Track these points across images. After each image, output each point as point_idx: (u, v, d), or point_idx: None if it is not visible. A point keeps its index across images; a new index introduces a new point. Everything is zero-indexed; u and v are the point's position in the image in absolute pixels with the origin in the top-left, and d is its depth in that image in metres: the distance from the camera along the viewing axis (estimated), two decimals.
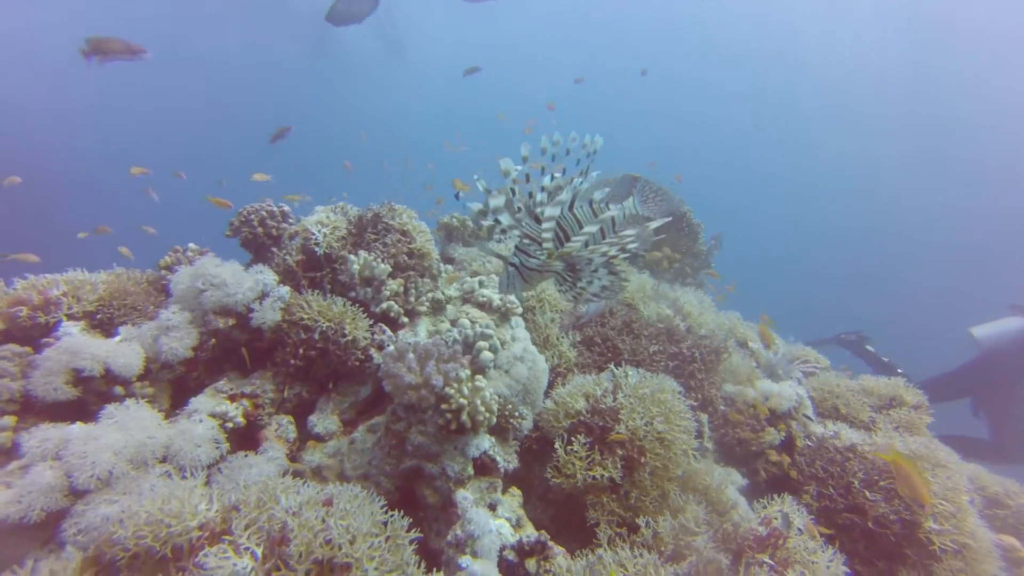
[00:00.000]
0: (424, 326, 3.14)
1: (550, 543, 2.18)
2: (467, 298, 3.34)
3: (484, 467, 2.49)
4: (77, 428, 2.07)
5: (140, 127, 27.95)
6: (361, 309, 2.89)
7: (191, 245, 3.21)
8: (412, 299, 3.17)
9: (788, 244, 37.42)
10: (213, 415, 2.43)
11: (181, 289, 2.70)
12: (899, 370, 6.20)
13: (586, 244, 2.07)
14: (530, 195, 2.04)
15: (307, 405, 2.78)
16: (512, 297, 3.19)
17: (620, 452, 2.52)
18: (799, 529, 2.09)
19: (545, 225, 1.90)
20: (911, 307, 31.42)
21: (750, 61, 29.12)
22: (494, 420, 2.46)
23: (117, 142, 27.58)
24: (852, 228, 35.70)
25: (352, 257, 3.02)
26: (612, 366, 3.10)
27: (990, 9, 20.30)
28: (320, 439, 2.65)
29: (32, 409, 2.23)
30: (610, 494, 2.51)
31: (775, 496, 2.44)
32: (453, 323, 3.16)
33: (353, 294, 3.01)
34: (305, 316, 2.72)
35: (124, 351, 2.39)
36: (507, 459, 2.57)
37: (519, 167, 1.93)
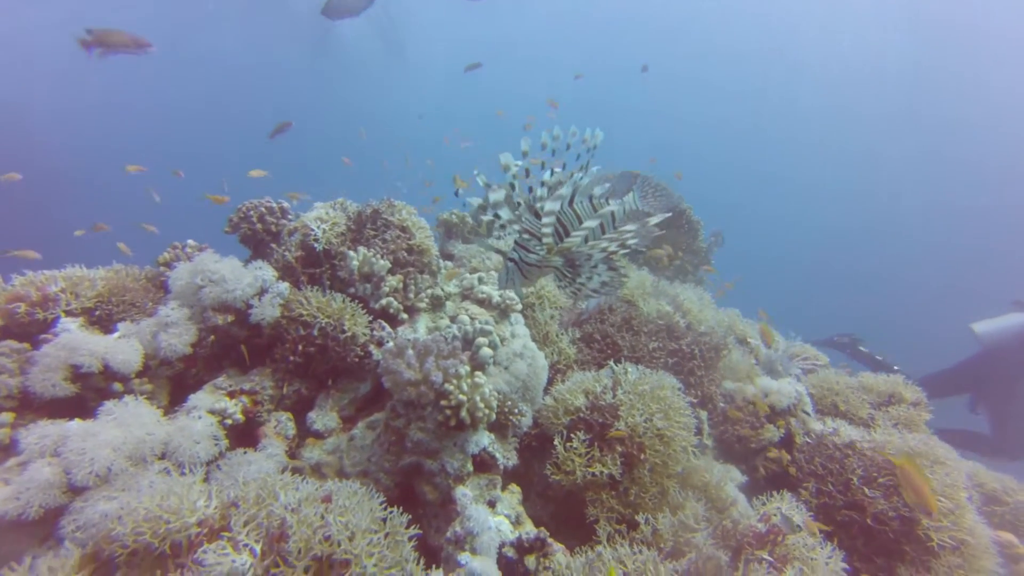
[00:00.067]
0: (423, 322, 3.13)
1: (549, 540, 2.18)
2: (467, 294, 3.34)
3: (483, 464, 2.49)
4: (75, 424, 2.06)
5: (139, 125, 27.89)
6: (360, 305, 2.89)
7: (190, 241, 3.20)
8: (411, 295, 3.17)
9: (788, 242, 37.43)
10: (212, 412, 2.43)
11: (180, 285, 2.70)
12: (895, 367, 6.21)
13: (586, 240, 2.06)
14: (530, 190, 2.03)
15: (306, 402, 2.77)
16: (511, 293, 3.19)
17: (620, 449, 2.52)
18: (798, 526, 2.09)
19: (545, 220, 1.89)
20: (911, 305, 31.45)
21: (750, 60, 29.08)
22: (493, 417, 2.46)
23: (116, 140, 27.51)
24: (852, 227, 35.71)
25: (351, 253, 3.02)
26: (612, 363, 3.10)
27: (990, 8, 20.29)
28: (319, 436, 2.65)
29: (30, 405, 2.22)
30: (609, 491, 2.51)
31: (774, 493, 2.44)
32: (453, 319, 3.16)
33: (352, 290, 3.00)
34: (304, 312, 2.71)
35: (123, 347, 2.39)
36: (506, 456, 2.57)
37: (519, 162, 1.93)
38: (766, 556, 2.03)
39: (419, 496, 2.40)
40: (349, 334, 2.72)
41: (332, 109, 31.66)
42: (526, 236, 2.04)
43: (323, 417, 2.69)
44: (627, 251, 2.06)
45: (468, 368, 2.46)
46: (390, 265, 3.07)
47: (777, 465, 3.25)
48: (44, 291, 2.49)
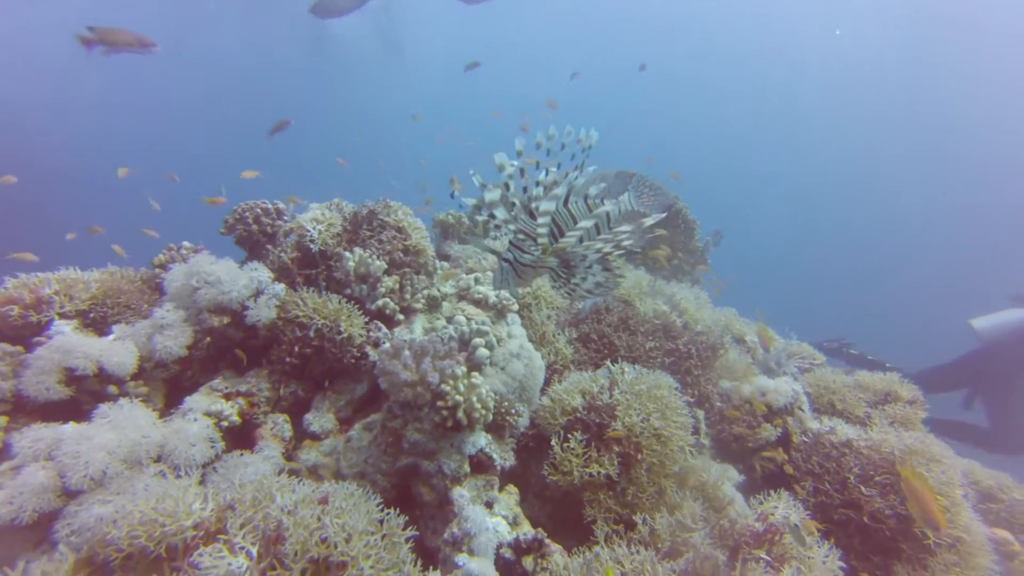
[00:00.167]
0: (420, 323, 3.13)
1: (547, 541, 2.18)
2: (463, 295, 3.34)
3: (481, 465, 2.49)
4: (70, 428, 2.05)
5: (136, 125, 27.79)
6: (357, 306, 2.88)
7: (185, 243, 3.19)
8: (408, 296, 3.16)
9: (788, 241, 37.55)
10: (208, 414, 2.42)
11: (175, 287, 2.68)
12: (887, 364, 6.23)
13: (580, 240, 2.06)
14: (524, 190, 2.03)
15: (303, 403, 2.77)
16: (507, 293, 3.18)
17: (617, 449, 2.52)
18: (796, 525, 2.09)
19: (540, 220, 1.89)
20: (911, 303, 31.59)
21: (749, 58, 29.08)
22: (490, 417, 2.46)
23: (114, 140, 27.41)
24: (852, 224, 35.84)
25: (347, 254, 3.01)
26: (608, 363, 3.10)
27: (989, 4, 20.30)
28: (316, 437, 2.64)
29: (24, 409, 2.21)
30: (607, 491, 2.51)
31: (771, 492, 2.44)
32: (449, 320, 3.15)
33: (348, 291, 3.00)
34: (300, 314, 2.70)
35: (118, 350, 2.38)
36: (504, 456, 2.57)
37: (514, 162, 1.93)
38: (763, 555, 2.03)
39: (416, 497, 2.40)
40: (345, 335, 2.71)
41: (329, 109, 31.61)
42: (521, 236, 2.04)
43: (320, 419, 2.68)
44: (622, 252, 2.06)
45: (465, 369, 2.45)
46: (386, 266, 3.07)
47: (774, 464, 3.25)
48: (38, 293, 2.48)
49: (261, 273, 2.79)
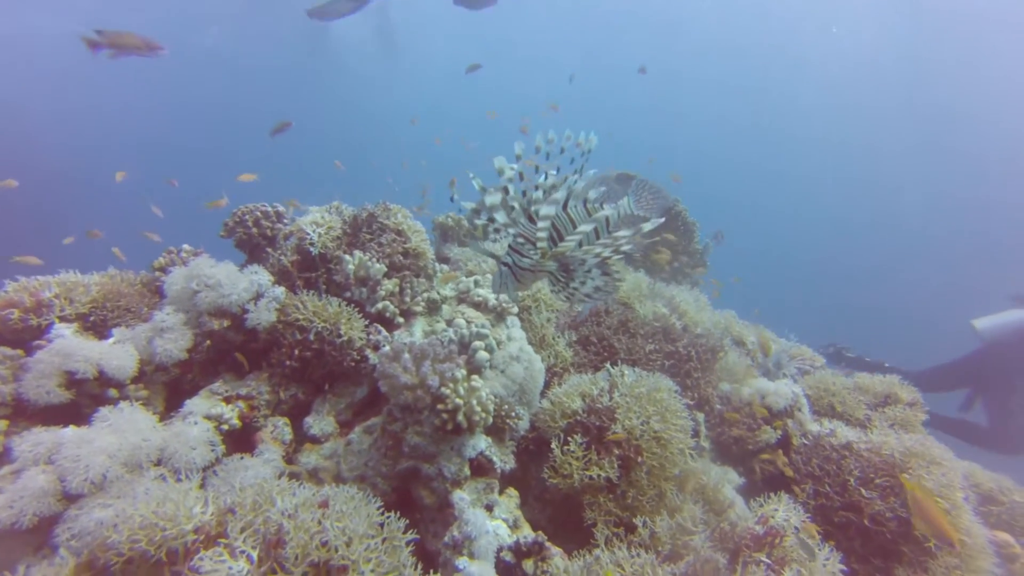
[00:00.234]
0: (420, 326, 3.13)
1: (547, 544, 2.18)
2: (463, 298, 3.34)
3: (481, 468, 2.48)
4: (70, 431, 2.05)
5: (136, 128, 27.80)
6: (356, 309, 2.88)
7: (185, 246, 3.20)
8: (408, 299, 3.17)
9: (788, 239, 37.59)
10: (208, 417, 2.42)
11: (175, 290, 2.69)
12: (886, 364, 6.25)
13: (580, 244, 2.07)
14: (523, 193, 2.03)
15: (303, 406, 2.77)
16: (507, 296, 3.19)
17: (617, 452, 2.52)
18: (796, 528, 2.09)
19: (540, 224, 1.89)
20: (912, 301, 31.60)
21: (749, 56, 29.05)
22: (490, 420, 2.46)
23: (113, 142, 27.46)
24: (854, 222, 35.86)
25: (347, 257, 3.01)
26: (608, 365, 3.10)
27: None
28: (316, 441, 2.64)
29: (24, 412, 2.21)
30: (607, 494, 2.51)
31: (772, 495, 2.44)
32: (449, 323, 3.16)
33: (348, 294, 3.00)
34: (300, 317, 2.70)
35: (118, 353, 2.38)
36: (504, 459, 2.57)
37: (513, 165, 1.93)
38: (764, 558, 2.03)
39: (416, 501, 2.40)
40: (345, 338, 2.71)
41: (328, 110, 31.62)
42: (520, 240, 2.04)
43: (320, 422, 2.68)
44: (620, 256, 2.06)
45: (464, 372, 2.45)
46: (386, 269, 3.07)
47: (774, 467, 3.25)
48: (38, 297, 2.48)
49: (261, 276, 2.79)
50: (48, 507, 1.87)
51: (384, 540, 1.70)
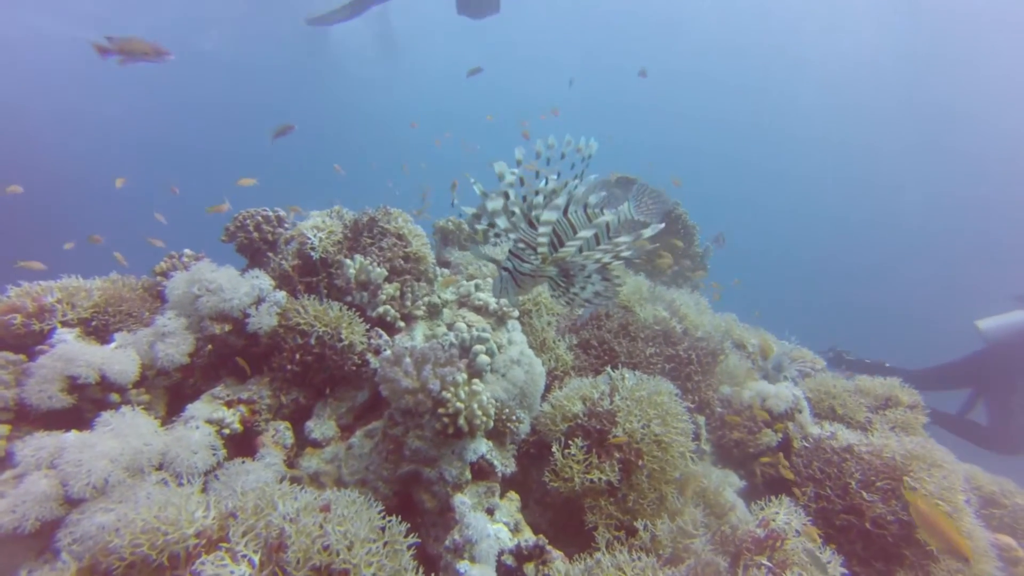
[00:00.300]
0: (420, 330, 3.13)
1: (548, 547, 2.18)
2: (463, 302, 3.35)
3: (482, 471, 2.49)
4: (72, 436, 2.06)
5: (136, 130, 27.88)
6: (357, 314, 2.89)
7: (186, 251, 3.20)
8: (408, 303, 3.17)
9: (789, 238, 37.60)
10: (210, 421, 2.42)
11: (177, 295, 2.69)
12: (887, 364, 6.26)
13: (580, 250, 2.07)
14: (524, 199, 2.04)
15: (304, 411, 2.77)
16: (507, 300, 3.19)
17: (617, 455, 2.52)
18: (797, 531, 2.09)
19: (541, 230, 1.90)
20: (912, 300, 31.59)
21: (749, 56, 29.05)
22: (491, 424, 2.47)
23: (114, 145, 27.55)
24: (853, 222, 35.87)
25: (348, 261, 3.02)
26: (609, 369, 3.10)
27: None
28: (317, 445, 2.65)
29: (26, 417, 2.21)
30: (608, 497, 2.51)
31: (773, 498, 2.45)
32: (449, 327, 3.16)
33: (349, 298, 3.01)
34: (301, 321, 2.71)
35: (119, 358, 2.38)
36: (505, 463, 2.57)
37: (514, 170, 1.94)
38: (765, 562, 2.03)
39: (418, 504, 2.40)
40: (346, 343, 2.72)
41: (329, 113, 31.68)
42: (521, 245, 2.05)
43: (321, 426, 2.68)
44: (620, 262, 2.07)
45: (465, 376, 2.46)
46: (387, 273, 3.08)
47: (775, 470, 3.25)
48: (40, 302, 2.49)
49: (262, 281, 2.80)
50: (50, 511, 1.87)
51: (386, 544, 1.70)
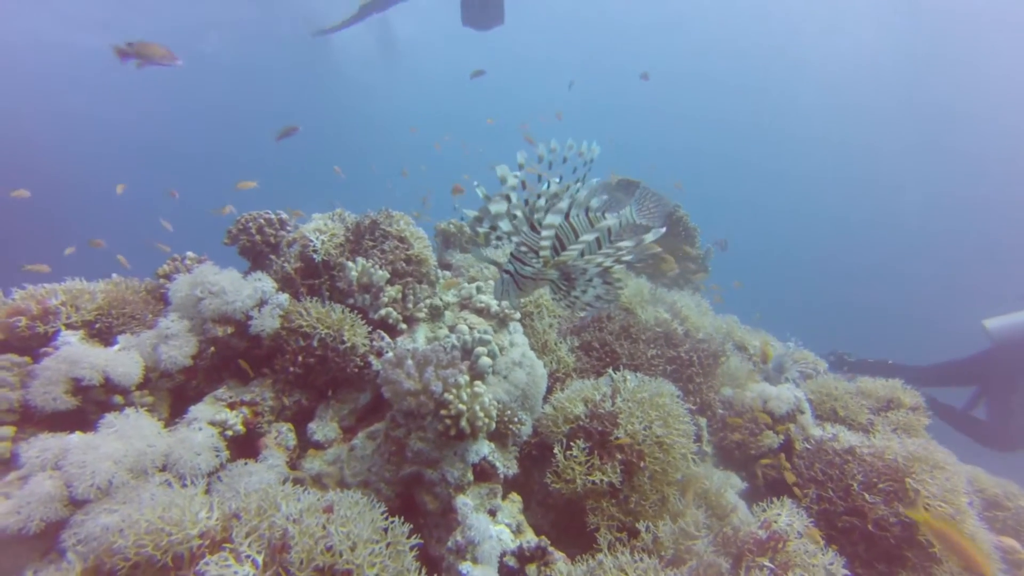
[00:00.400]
0: (422, 332, 3.14)
1: (550, 548, 2.19)
2: (465, 304, 3.35)
3: (484, 473, 2.49)
4: (76, 438, 2.07)
5: (137, 134, 27.93)
6: (359, 316, 2.90)
7: (189, 253, 3.22)
8: (410, 305, 3.18)
9: (790, 239, 37.58)
10: (213, 423, 2.43)
11: (180, 297, 2.71)
12: (889, 362, 6.27)
13: (582, 254, 2.08)
14: (526, 202, 2.05)
15: (307, 412, 2.78)
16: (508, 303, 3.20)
17: (619, 456, 2.52)
18: (799, 532, 2.09)
19: (544, 233, 1.91)
20: (912, 299, 31.55)
21: (750, 56, 29.07)
22: (493, 426, 2.47)
23: (115, 148, 27.61)
24: (854, 221, 35.87)
25: (350, 264, 3.03)
26: (611, 371, 3.11)
27: None
28: (320, 446, 2.65)
29: (31, 419, 2.22)
30: (610, 499, 2.51)
31: (774, 499, 2.45)
32: (451, 329, 3.17)
33: (351, 301, 3.02)
34: (304, 323, 2.72)
35: (123, 360, 2.39)
36: (507, 465, 2.58)
37: (516, 174, 1.95)
38: (767, 563, 2.04)
39: (420, 506, 2.40)
40: (348, 345, 2.73)
41: (330, 116, 31.76)
42: (523, 248, 2.05)
43: (323, 428, 2.69)
44: (622, 266, 2.07)
45: (467, 378, 2.47)
46: (389, 275, 3.09)
47: (777, 471, 3.25)
48: (44, 304, 2.50)
49: (265, 283, 2.81)
50: (55, 512, 1.88)
51: (388, 545, 1.71)
